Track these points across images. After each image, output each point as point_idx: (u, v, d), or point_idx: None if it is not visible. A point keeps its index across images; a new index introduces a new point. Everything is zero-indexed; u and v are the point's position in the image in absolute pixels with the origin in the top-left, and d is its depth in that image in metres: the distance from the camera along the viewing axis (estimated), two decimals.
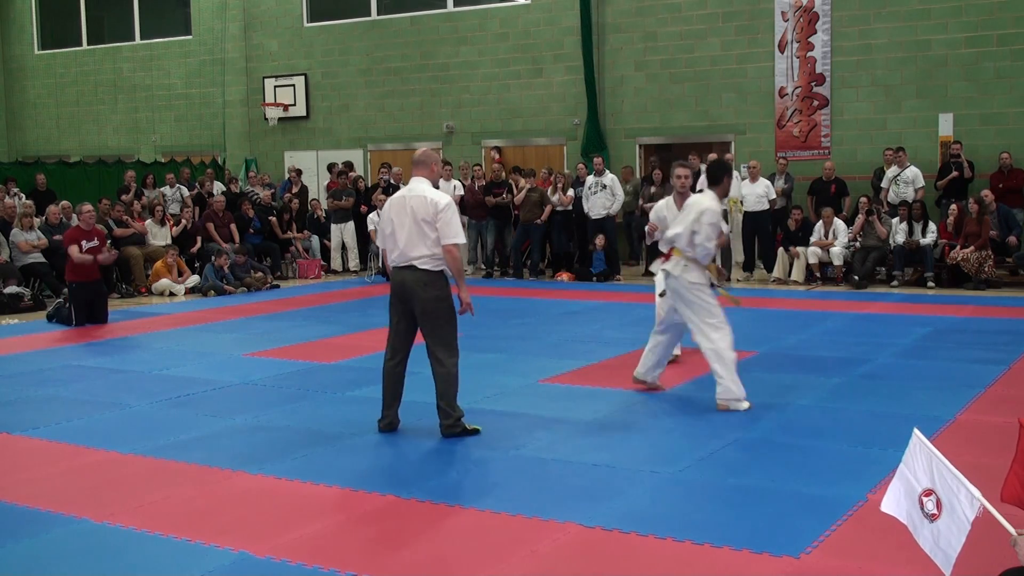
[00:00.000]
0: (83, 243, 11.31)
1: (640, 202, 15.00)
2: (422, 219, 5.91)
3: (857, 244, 13.50)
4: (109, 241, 14.17)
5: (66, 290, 11.40)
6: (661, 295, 7.27)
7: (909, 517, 3.14)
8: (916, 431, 3.22)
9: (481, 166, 16.42)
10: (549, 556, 4.16)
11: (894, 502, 3.22)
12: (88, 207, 11.75)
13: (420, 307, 5.97)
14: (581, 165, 15.54)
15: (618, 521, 4.49)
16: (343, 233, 16.33)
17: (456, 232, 5.93)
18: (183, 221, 15.36)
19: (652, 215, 7.57)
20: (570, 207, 15.02)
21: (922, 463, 3.11)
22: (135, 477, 5.40)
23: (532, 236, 15.45)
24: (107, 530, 4.56)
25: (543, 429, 6.22)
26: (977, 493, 2.88)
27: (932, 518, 3.02)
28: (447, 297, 6.00)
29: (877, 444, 5.70)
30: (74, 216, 13.15)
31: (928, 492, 3.05)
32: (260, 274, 14.55)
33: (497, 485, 5.14)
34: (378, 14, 19.19)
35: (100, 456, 5.81)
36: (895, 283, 13.31)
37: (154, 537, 4.45)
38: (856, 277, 13.25)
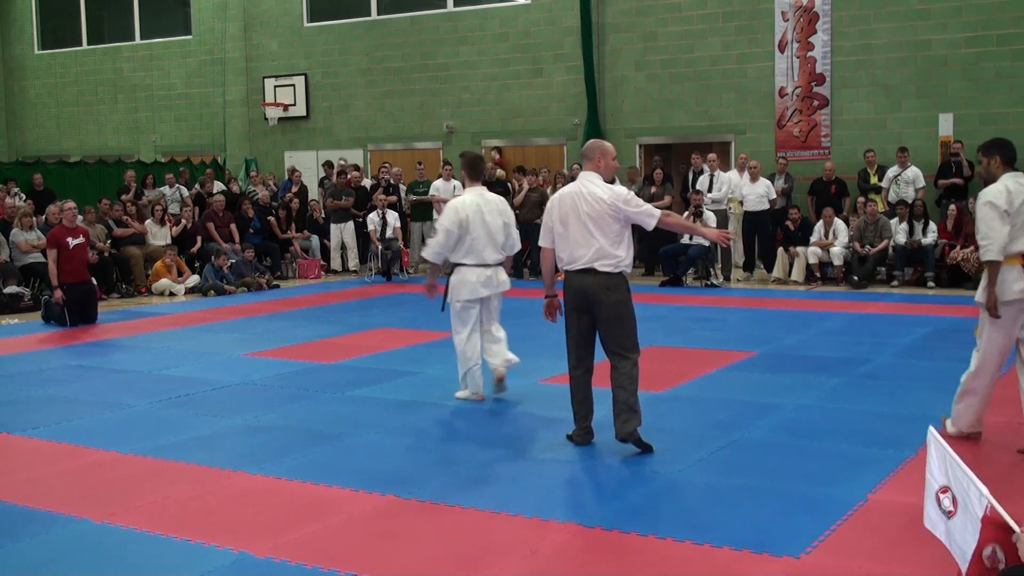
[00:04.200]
0: (69, 240, 11.28)
1: None
2: (607, 218, 5.58)
3: (857, 245, 13.48)
4: (109, 241, 14.21)
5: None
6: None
7: (929, 516, 3.15)
8: (931, 429, 3.22)
9: None
10: (549, 556, 4.16)
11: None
12: (71, 204, 11.68)
13: (605, 312, 5.57)
14: (576, 166, 15.54)
15: (618, 521, 4.49)
16: (343, 233, 16.33)
17: (651, 211, 5.65)
18: (183, 221, 15.36)
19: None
20: None
21: (937, 461, 3.12)
22: (135, 477, 5.39)
23: (532, 236, 15.44)
24: (107, 530, 4.56)
25: (543, 429, 6.21)
26: (985, 490, 2.88)
27: (949, 515, 3.03)
28: (629, 300, 5.63)
29: (877, 444, 5.70)
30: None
31: (944, 489, 3.06)
32: (259, 276, 14.54)
33: (497, 485, 5.13)
34: (378, 14, 19.19)
35: (100, 456, 5.81)
36: (895, 283, 13.32)
37: (154, 537, 4.45)
38: (856, 277, 13.25)
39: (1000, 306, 5.44)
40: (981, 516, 2.89)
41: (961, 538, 2.97)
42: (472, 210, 6.85)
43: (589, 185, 5.69)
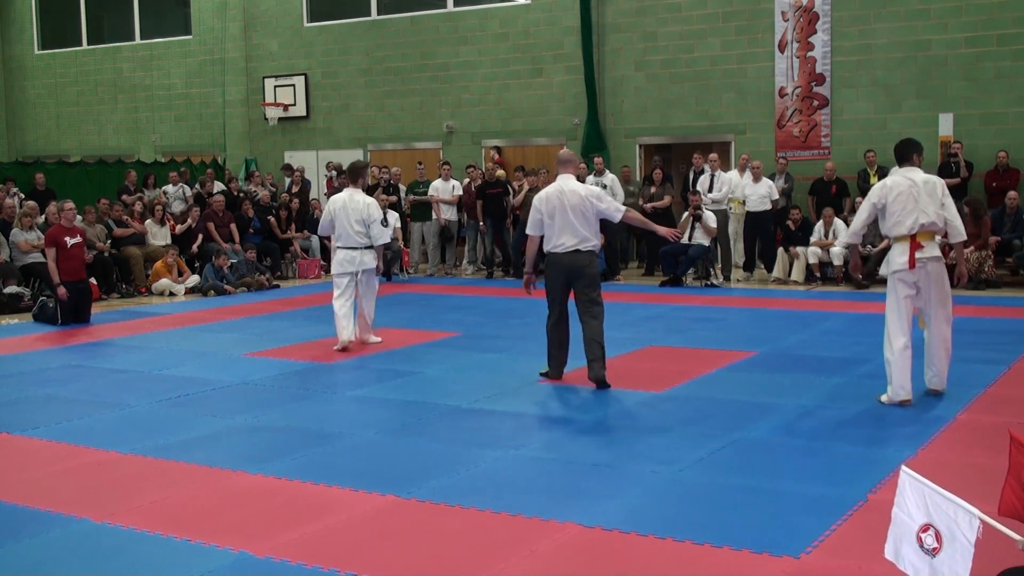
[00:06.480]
0: (67, 240, 11.31)
1: (640, 202, 15.00)
2: (581, 211, 7.15)
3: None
4: (109, 241, 14.21)
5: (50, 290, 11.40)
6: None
7: (910, 563, 3.07)
8: (904, 468, 3.15)
9: (475, 167, 16.35)
10: (549, 556, 4.16)
11: (893, 549, 3.15)
12: (70, 204, 11.73)
13: (586, 280, 7.24)
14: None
15: (618, 521, 4.49)
16: None
17: (617, 206, 7.39)
18: (188, 220, 15.36)
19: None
20: None
21: (913, 499, 3.04)
22: (135, 477, 5.39)
23: None
24: (107, 530, 4.56)
25: (543, 429, 6.22)
26: (976, 511, 2.81)
27: (933, 552, 2.96)
28: (599, 271, 7.49)
29: (877, 444, 5.70)
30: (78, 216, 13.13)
31: (925, 527, 2.98)
32: (259, 275, 14.54)
33: (497, 485, 5.13)
34: (378, 14, 19.19)
35: (100, 456, 5.81)
36: None
37: (154, 537, 4.45)
38: (859, 276, 13.22)
39: (889, 276, 6.65)
40: (974, 540, 2.82)
41: (951, 571, 2.90)
42: (339, 206, 9.13)
43: (570, 183, 7.26)
